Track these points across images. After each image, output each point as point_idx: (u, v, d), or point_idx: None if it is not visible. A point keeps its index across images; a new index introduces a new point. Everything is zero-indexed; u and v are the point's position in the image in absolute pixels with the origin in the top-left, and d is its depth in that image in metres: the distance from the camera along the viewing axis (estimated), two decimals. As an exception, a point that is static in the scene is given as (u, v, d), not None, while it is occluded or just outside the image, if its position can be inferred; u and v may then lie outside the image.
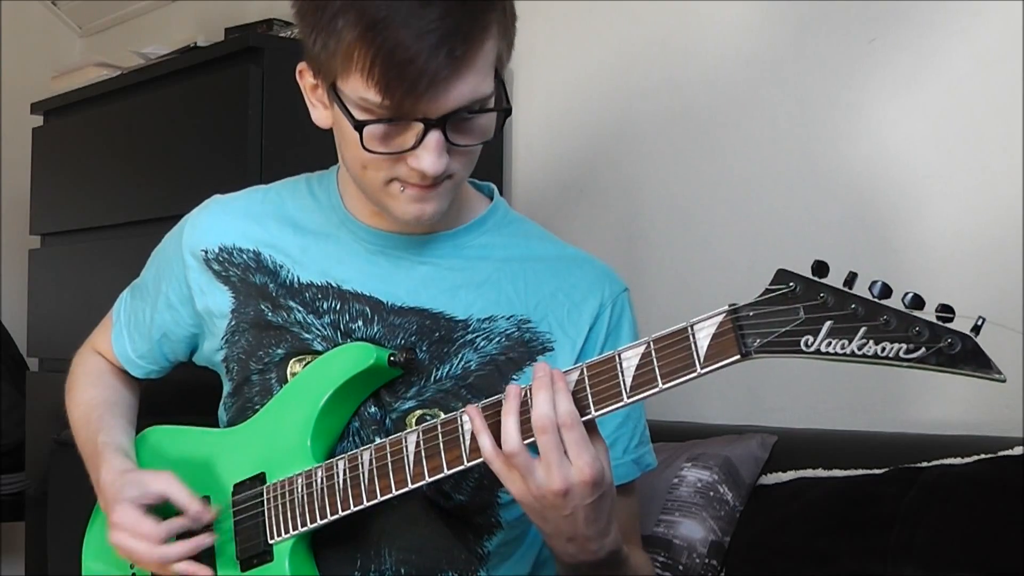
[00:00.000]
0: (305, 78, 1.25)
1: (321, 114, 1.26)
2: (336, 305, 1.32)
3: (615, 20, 2.39)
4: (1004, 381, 0.91)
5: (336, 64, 1.14)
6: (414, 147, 1.15)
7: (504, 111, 1.20)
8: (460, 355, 1.29)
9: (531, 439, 1.09)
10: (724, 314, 1.02)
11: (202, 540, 1.28)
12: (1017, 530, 1.43)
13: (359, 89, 1.13)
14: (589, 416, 1.08)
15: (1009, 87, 1.81)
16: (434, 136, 1.14)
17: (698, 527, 1.73)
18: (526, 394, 1.10)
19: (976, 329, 0.92)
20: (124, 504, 1.29)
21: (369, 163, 1.19)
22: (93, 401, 1.49)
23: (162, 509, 1.31)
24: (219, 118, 2.45)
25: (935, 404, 1.87)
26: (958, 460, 1.58)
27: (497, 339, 1.30)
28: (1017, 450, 1.55)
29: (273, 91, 2.35)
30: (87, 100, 2.90)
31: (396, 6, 1.09)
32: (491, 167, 2.50)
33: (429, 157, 1.15)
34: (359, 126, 1.15)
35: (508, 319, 1.30)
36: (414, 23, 1.09)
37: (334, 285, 1.33)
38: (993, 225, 1.83)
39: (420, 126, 1.14)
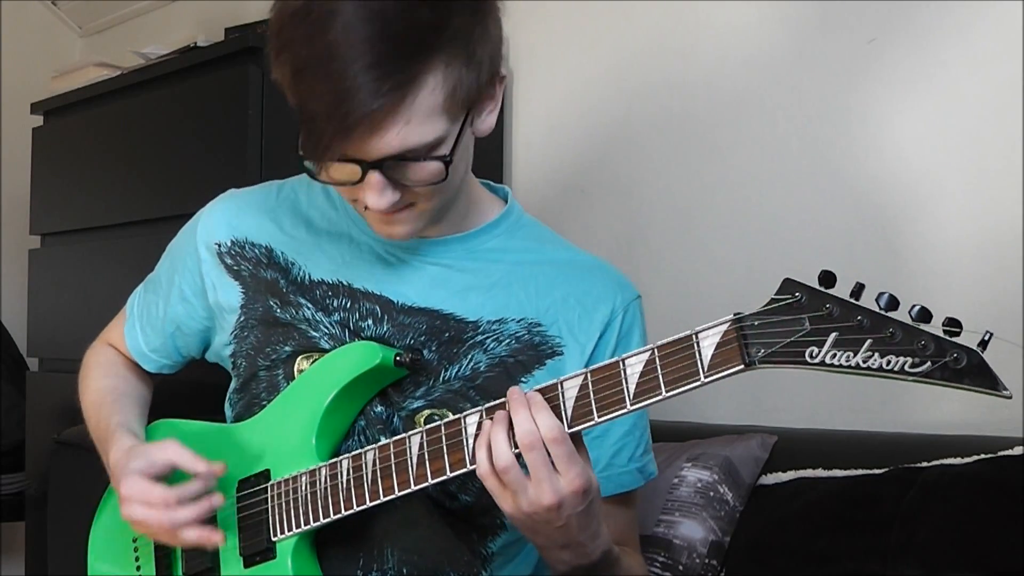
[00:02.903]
0: None
1: None
2: (346, 303, 1.32)
3: (615, 21, 2.39)
4: (1010, 398, 0.91)
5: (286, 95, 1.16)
6: (359, 182, 1.15)
7: (441, 160, 1.14)
8: (469, 356, 1.29)
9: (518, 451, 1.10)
10: (728, 323, 1.01)
11: (213, 500, 1.27)
12: (1017, 530, 1.43)
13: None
14: (591, 423, 1.08)
15: (1009, 87, 1.81)
16: (373, 176, 1.14)
17: (698, 527, 1.73)
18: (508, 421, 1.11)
19: (983, 344, 0.91)
20: (131, 475, 1.28)
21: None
22: (106, 388, 1.49)
23: (171, 480, 1.30)
24: (219, 118, 2.45)
25: (935, 404, 1.87)
26: (958, 460, 1.59)
27: (507, 341, 1.30)
28: (1017, 450, 1.55)
29: (273, 91, 2.33)
30: (87, 100, 2.91)
31: (323, 54, 1.08)
32: (491, 167, 2.51)
33: (371, 195, 1.15)
34: (300, 160, 1.16)
35: (518, 322, 1.30)
36: (335, 74, 1.07)
37: (345, 283, 1.33)
38: (992, 224, 1.84)
39: (357, 166, 1.13)
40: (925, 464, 1.61)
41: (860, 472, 1.67)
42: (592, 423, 1.08)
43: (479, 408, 1.14)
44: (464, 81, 1.13)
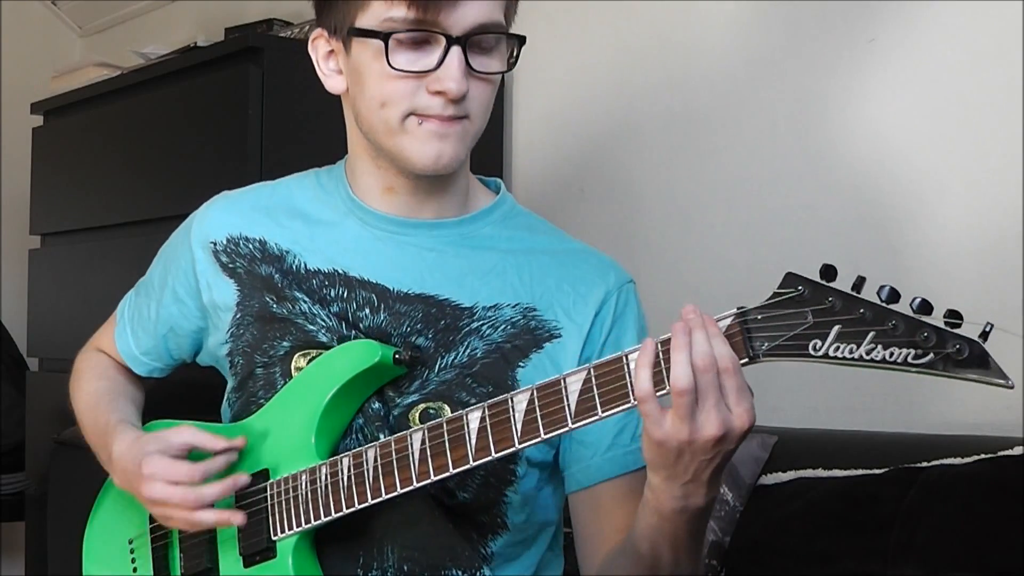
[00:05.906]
0: (318, 47, 1.30)
1: (335, 80, 1.30)
2: (343, 293, 1.32)
3: (615, 19, 2.39)
4: (1012, 388, 0.91)
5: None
6: (436, 68, 1.19)
7: (518, 39, 1.25)
8: (466, 343, 1.29)
9: (663, 392, 1.03)
10: (732, 317, 1.02)
11: (238, 479, 1.27)
12: (1017, 530, 1.43)
13: (381, 12, 1.19)
14: (595, 418, 1.08)
15: (1008, 86, 1.81)
16: (455, 53, 1.19)
17: (698, 527, 1.73)
18: (658, 347, 1.05)
19: (984, 335, 0.91)
20: (152, 455, 1.27)
21: (389, 96, 1.22)
22: (100, 390, 1.49)
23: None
24: (219, 118, 2.45)
25: (935, 404, 1.87)
26: (958, 460, 1.58)
27: (503, 327, 1.29)
28: (1017, 450, 1.55)
29: (273, 91, 2.35)
30: (87, 100, 2.91)
31: None
32: (491, 166, 2.50)
33: (452, 74, 1.19)
34: (386, 36, 1.19)
35: (514, 307, 1.30)
36: None
37: (341, 272, 1.33)
38: (992, 223, 1.83)
39: (442, 42, 1.19)
40: (925, 464, 1.61)
41: (860, 472, 1.67)
42: (596, 418, 1.08)
43: (481, 404, 1.14)
44: None
